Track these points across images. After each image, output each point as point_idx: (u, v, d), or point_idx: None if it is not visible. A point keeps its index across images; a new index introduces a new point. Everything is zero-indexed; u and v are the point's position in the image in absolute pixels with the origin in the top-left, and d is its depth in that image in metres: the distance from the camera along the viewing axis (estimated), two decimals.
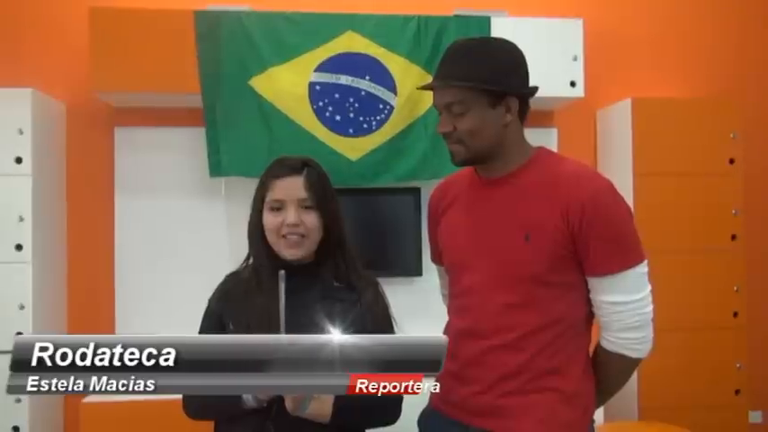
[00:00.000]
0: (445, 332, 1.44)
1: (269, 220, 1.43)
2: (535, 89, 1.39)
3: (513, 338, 1.32)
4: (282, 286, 1.28)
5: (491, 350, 1.34)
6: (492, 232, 1.37)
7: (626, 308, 1.31)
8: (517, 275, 1.32)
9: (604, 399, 1.45)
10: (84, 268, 3.03)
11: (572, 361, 1.34)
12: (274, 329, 1.29)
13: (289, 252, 1.43)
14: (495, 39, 1.46)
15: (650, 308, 1.34)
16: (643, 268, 1.33)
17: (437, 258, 1.58)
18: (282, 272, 1.30)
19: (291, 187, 1.43)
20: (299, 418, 1.32)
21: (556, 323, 1.33)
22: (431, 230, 1.57)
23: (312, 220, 1.43)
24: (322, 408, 1.33)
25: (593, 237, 1.29)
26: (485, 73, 1.31)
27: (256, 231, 1.47)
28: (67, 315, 3.01)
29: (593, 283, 1.33)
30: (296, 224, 1.42)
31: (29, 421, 2.62)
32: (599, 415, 1.90)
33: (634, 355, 1.35)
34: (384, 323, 1.47)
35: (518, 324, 1.32)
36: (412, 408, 1.48)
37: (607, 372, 1.39)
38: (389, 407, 1.43)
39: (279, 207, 1.43)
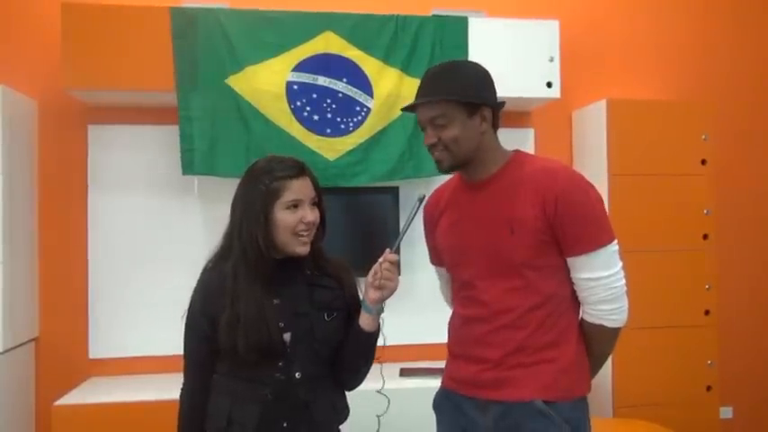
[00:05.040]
0: (450, 322, 1.67)
1: (286, 218, 1.49)
2: (503, 103, 1.60)
3: (513, 318, 1.51)
4: (419, 207, 1.61)
5: (496, 330, 1.52)
6: (481, 230, 1.55)
7: (598, 283, 1.50)
8: (508, 264, 1.51)
9: (596, 367, 1.63)
10: (56, 267, 2.98)
11: (565, 334, 1.53)
12: (269, 323, 1.46)
13: (303, 249, 1.52)
14: (463, 61, 1.69)
15: (621, 282, 1.52)
16: (614, 247, 1.51)
17: (436, 260, 1.77)
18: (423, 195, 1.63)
19: (305, 187, 1.52)
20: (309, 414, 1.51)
21: (548, 301, 1.51)
22: (427, 235, 1.75)
23: (317, 216, 1.55)
24: (376, 320, 1.57)
25: (568, 222, 1.48)
26: (461, 88, 1.52)
27: (259, 227, 1.48)
28: (39, 314, 2.96)
29: (571, 262, 1.52)
30: (314, 222, 1.52)
31: None
32: None
33: (611, 324, 1.54)
34: (356, 296, 1.63)
35: (517, 305, 1.51)
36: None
37: (592, 341, 1.58)
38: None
39: (296, 205, 1.50)
